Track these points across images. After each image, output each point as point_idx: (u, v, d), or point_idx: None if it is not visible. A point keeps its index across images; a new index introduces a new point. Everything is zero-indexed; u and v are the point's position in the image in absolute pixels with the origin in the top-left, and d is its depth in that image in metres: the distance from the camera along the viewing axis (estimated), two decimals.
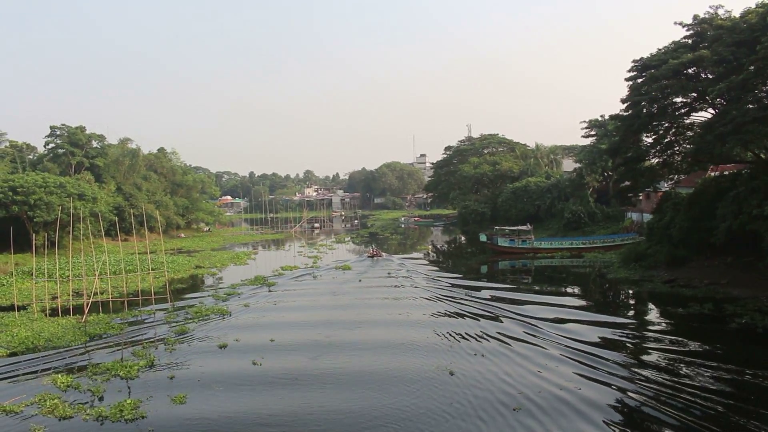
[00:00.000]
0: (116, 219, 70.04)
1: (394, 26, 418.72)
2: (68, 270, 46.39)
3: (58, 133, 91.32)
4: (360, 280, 45.51)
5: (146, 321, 32.78)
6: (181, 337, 28.26)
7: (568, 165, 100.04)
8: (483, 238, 68.44)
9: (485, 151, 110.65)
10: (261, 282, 45.26)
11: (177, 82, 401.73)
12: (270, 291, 42.03)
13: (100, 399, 19.72)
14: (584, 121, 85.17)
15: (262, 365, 23.43)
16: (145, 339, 28.33)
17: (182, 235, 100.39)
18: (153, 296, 37.32)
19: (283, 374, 22.33)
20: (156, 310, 35.37)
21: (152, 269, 46.57)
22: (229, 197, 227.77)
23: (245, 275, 49.67)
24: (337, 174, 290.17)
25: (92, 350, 26.59)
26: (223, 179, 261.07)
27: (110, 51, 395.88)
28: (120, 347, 26.91)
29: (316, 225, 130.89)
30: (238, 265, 60.20)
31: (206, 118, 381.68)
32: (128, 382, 21.37)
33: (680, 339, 25.07)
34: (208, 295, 39.85)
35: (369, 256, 62.26)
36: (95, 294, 37.47)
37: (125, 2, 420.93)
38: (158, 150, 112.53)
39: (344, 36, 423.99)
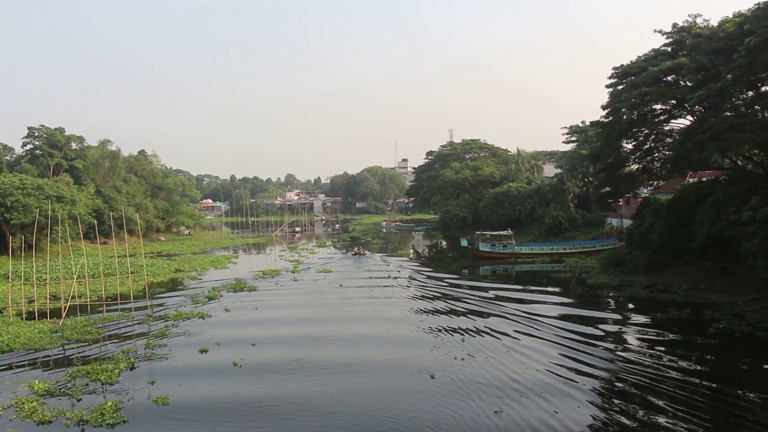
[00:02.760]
0: (95, 222, 69.30)
1: (379, 30, 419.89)
2: (45, 273, 45.86)
3: (36, 134, 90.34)
4: (341, 285, 45.47)
5: (125, 325, 32.41)
6: (162, 340, 28.03)
7: (549, 170, 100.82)
8: (464, 242, 68.83)
9: (467, 156, 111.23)
10: (242, 286, 45.02)
11: (158, 84, 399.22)
12: (251, 295, 41.81)
13: (79, 400, 19.49)
14: (565, 127, 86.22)
15: (243, 366, 23.38)
16: (125, 342, 28.04)
17: (162, 238, 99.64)
18: (132, 300, 36.99)
19: (265, 374, 22.31)
20: (135, 313, 35.03)
21: (131, 273, 46.18)
22: (209, 201, 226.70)
23: (226, 279, 49.39)
24: (319, 178, 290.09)
25: (71, 354, 26.29)
26: (204, 182, 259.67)
27: (90, 50, 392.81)
28: (99, 351, 26.64)
29: (297, 229, 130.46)
30: (218, 269, 59.83)
31: (188, 120, 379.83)
32: (109, 386, 21.13)
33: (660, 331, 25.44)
34: (189, 299, 39.54)
35: (353, 254, 70.07)
36: (73, 297, 37.07)
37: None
38: (139, 152, 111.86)
39: (329, 39, 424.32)
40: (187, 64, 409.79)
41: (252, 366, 23.46)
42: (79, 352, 26.44)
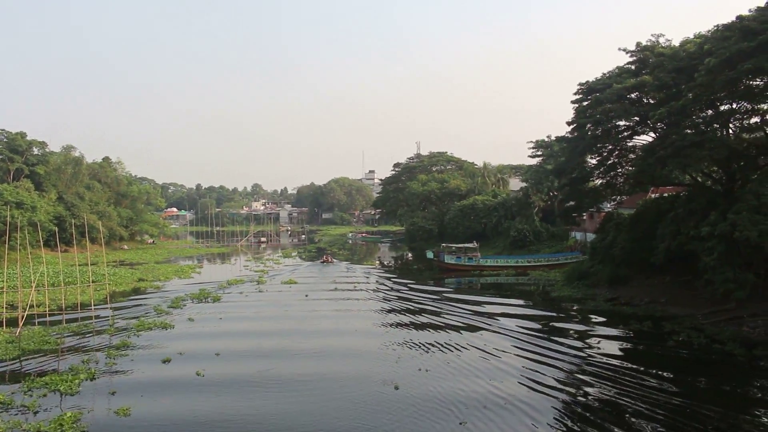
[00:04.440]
0: (56, 229, 67.97)
1: (349, 41, 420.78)
2: (2, 281, 44.77)
3: None
4: (306, 295, 45.28)
5: (86, 334, 31.72)
6: (123, 350, 27.51)
7: (515, 184, 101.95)
8: (430, 255, 69.15)
9: (434, 169, 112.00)
10: (206, 295, 44.54)
11: (125, 90, 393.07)
12: (215, 305, 41.37)
13: (36, 413, 19.01)
14: (531, 142, 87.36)
15: (206, 376, 23.14)
16: (85, 352, 27.44)
17: (125, 247, 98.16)
18: (93, 309, 36.29)
19: (229, 385, 22.08)
20: (96, 323, 34.36)
21: (93, 281, 45.38)
22: (174, 209, 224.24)
23: (190, 289, 48.79)
24: (286, 188, 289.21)
25: (27, 365, 25.64)
26: (169, 191, 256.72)
27: (53, 52, 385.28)
28: (58, 361, 26.05)
29: (263, 239, 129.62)
30: (182, 279, 59.09)
31: (154, 128, 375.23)
32: (68, 397, 20.66)
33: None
34: (151, 309, 38.93)
35: (322, 262, 74.12)
36: (31, 306, 36.24)
37: None
38: (103, 159, 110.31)
39: (299, 49, 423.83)
40: (155, 70, 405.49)
41: (216, 377, 23.15)
42: (37, 363, 25.79)
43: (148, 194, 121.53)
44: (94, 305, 37.19)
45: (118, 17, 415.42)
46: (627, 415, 18.33)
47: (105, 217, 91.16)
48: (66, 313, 36.69)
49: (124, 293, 47.97)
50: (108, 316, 35.88)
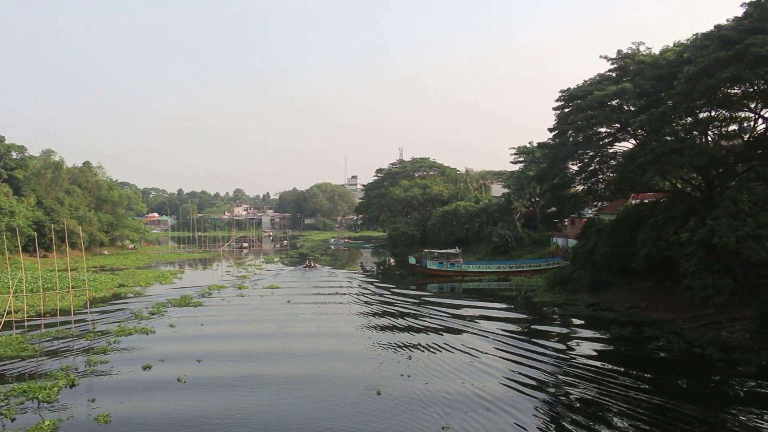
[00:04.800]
0: (35, 234, 67.15)
1: (332, 46, 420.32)
2: None
3: None
4: (289, 300, 45.16)
5: (65, 340, 31.37)
6: (103, 356, 27.24)
7: (497, 190, 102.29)
8: (412, 260, 69.27)
9: (416, 175, 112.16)
10: (187, 301, 44.23)
11: (107, 93, 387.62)
12: (196, 310, 41.09)
13: (13, 420, 18.76)
14: (513, 148, 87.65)
15: (187, 382, 22.99)
16: (65, 359, 27.14)
17: (106, 252, 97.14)
18: (73, 315, 35.89)
19: (210, 391, 21.94)
20: (76, 329, 33.99)
21: (73, 287, 44.85)
22: (156, 214, 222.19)
23: (171, 294, 48.40)
24: (268, 193, 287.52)
25: (5, 371, 25.26)
26: (151, 196, 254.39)
27: (34, 54, 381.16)
28: (36, 367, 25.72)
29: (245, 245, 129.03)
30: (164, 284, 58.57)
31: (136, 132, 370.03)
32: (47, 404, 20.39)
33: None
34: (132, 315, 38.58)
35: (305, 267, 74.72)
36: (9, 313, 35.78)
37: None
38: (83, 164, 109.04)
39: (283, 55, 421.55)
40: (138, 74, 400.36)
41: (197, 383, 23.02)
42: (15, 370, 25.46)
43: (129, 199, 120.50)
44: (74, 311, 36.76)
45: (102, 19, 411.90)
46: (609, 414, 18.55)
47: (85, 222, 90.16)
48: (45, 319, 36.28)
49: (104, 299, 47.47)
50: (88, 322, 35.49)
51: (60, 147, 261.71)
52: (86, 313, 37.60)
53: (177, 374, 23.77)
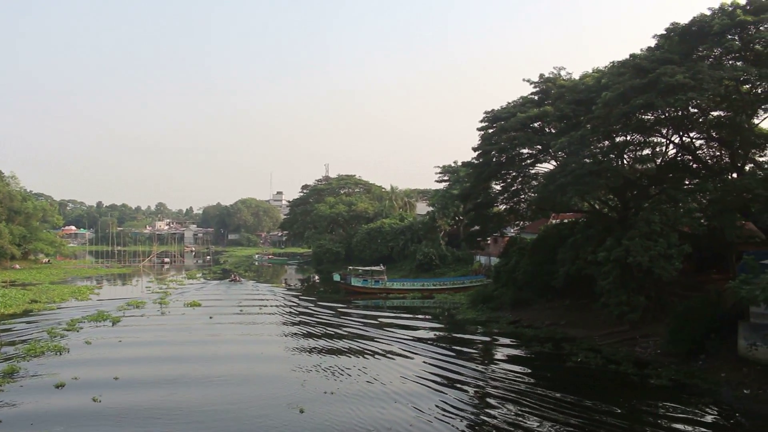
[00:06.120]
0: None
1: (258, 60, 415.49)
2: None
3: None
4: (211, 317, 44.09)
5: None
6: (11, 377, 25.79)
7: (422, 208, 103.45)
8: (337, 277, 68.93)
9: (342, 192, 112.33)
10: (104, 318, 42.44)
11: (22, 95, 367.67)
12: (114, 328, 39.53)
13: None
14: (438, 167, 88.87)
15: (103, 402, 22.07)
16: None
17: (17, 266, 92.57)
18: None
19: (127, 413, 21.12)
20: None
21: None
22: (73, 227, 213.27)
23: (87, 311, 46.38)
24: (191, 208, 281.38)
25: None
26: (68, 208, 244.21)
27: None
28: None
29: (167, 260, 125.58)
30: (80, 300, 56.17)
31: (53, 140, 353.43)
32: None
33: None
34: (44, 331, 36.71)
35: (230, 281, 76.57)
36: None
37: None
38: None
39: (213, 67, 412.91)
40: (62, 77, 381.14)
41: (114, 404, 22.06)
42: None
43: (45, 211, 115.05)
44: None
45: (26, 18, 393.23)
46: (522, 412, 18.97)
47: None
48: None
49: (14, 315, 45.02)
50: None
51: None
52: None
53: (92, 394, 22.77)
